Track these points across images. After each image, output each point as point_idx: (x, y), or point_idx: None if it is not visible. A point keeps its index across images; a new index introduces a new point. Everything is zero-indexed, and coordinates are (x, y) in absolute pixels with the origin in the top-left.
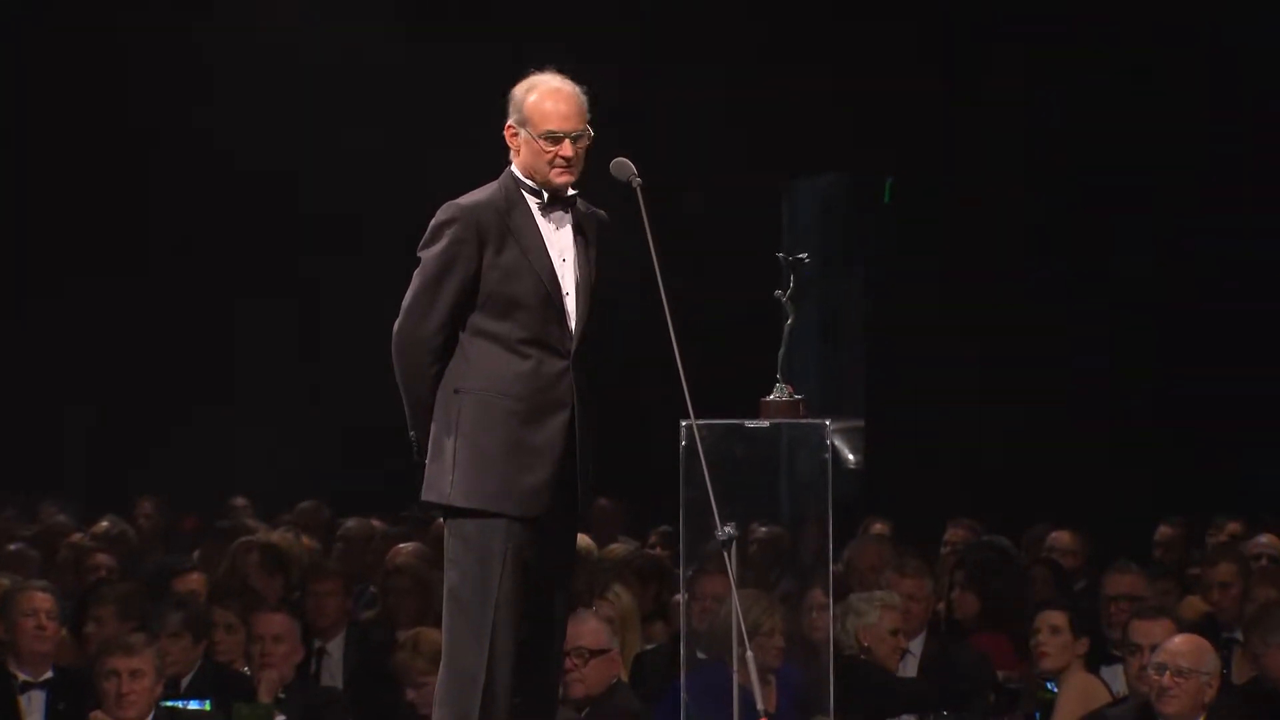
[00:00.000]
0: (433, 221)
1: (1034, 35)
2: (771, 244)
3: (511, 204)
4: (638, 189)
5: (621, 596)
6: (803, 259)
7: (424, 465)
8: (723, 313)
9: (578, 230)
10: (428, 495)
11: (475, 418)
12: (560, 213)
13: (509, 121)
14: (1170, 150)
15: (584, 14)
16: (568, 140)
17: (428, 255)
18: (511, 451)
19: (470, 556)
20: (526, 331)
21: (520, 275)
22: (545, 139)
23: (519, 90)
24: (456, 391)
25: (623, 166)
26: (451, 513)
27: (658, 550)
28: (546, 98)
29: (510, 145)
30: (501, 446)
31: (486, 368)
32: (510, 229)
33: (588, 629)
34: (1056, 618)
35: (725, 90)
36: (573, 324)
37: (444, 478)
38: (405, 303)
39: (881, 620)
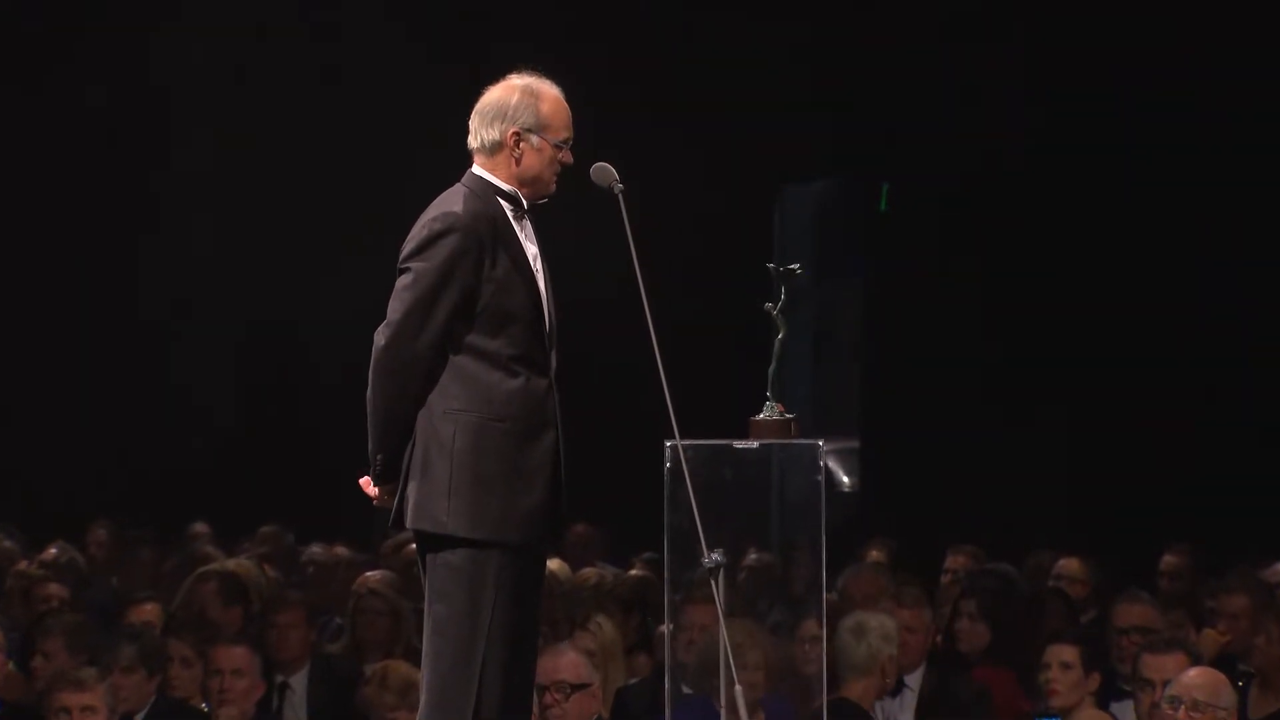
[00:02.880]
0: (425, 232)
1: (1035, 35)
2: (762, 254)
3: (494, 211)
4: (619, 195)
5: (604, 627)
6: (795, 269)
7: (390, 489)
8: (710, 326)
9: (535, 237)
10: (418, 523)
11: (472, 441)
12: (526, 219)
13: (512, 128)
14: (1175, 154)
15: (557, 14)
16: (568, 149)
17: (423, 268)
18: (509, 476)
19: (460, 587)
20: (516, 348)
21: (513, 288)
22: (559, 147)
23: (522, 96)
24: (448, 412)
25: (604, 172)
26: (436, 541)
27: (642, 570)
28: (557, 105)
29: (509, 151)
30: (500, 471)
31: (480, 387)
32: (499, 239)
33: (567, 662)
34: (1067, 652)
35: (713, 92)
36: (549, 338)
37: (438, 504)
38: (395, 317)
39: (894, 650)
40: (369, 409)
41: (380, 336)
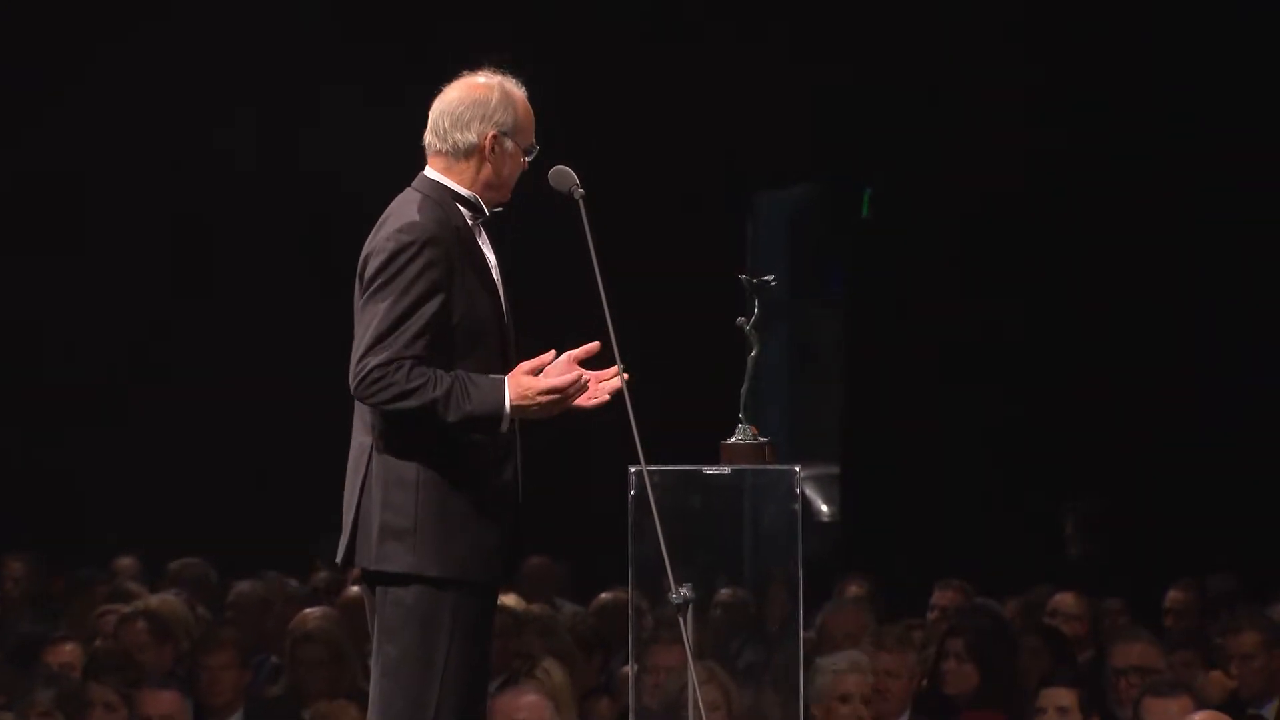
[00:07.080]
0: (392, 244)
1: (1033, 32)
2: (733, 264)
3: (454, 219)
4: (580, 201)
5: (552, 674)
6: (769, 281)
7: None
8: (678, 343)
9: (492, 245)
10: (379, 563)
11: (437, 475)
12: (482, 227)
13: (491, 130)
14: (1174, 155)
15: (525, 10)
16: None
17: (398, 282)
18: (477, 508)
19: (412, 626)
20: (484, 368)
21: (480, 301)
22: (527, 152)
23: (500, 96)
24: (410, 444)
25: (563, 176)
26: (386, 578)
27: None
28: (528, 108)
29: (485, 154)
30: (466, 505)
31: None
32: (463, 249)
33: (528, 703)
34: (1064, 696)
35: (681, 91)
36: (511, 354)
37: (401, 541)
38: (368, 335)
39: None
40: (420, 415)
41: (360, 364)
